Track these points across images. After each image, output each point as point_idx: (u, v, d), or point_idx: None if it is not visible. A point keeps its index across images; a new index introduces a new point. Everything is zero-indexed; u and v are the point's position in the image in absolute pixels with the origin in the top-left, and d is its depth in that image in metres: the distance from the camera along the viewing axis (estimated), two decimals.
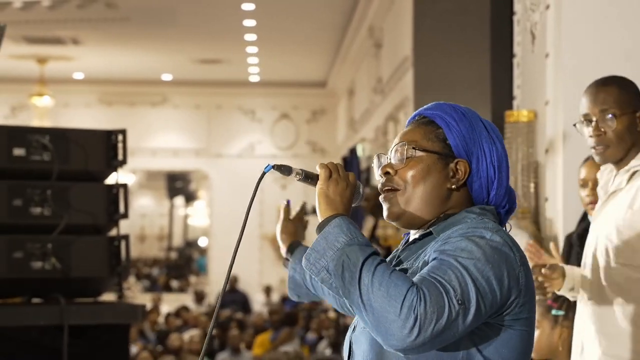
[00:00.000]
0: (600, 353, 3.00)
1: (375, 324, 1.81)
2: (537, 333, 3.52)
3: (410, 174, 2.05)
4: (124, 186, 4.10)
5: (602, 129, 3.00)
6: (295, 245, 2.81)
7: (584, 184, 3.75)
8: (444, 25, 6.81)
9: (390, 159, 2.09)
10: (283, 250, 2.84)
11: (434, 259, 1.89)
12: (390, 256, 2.13)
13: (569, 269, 3.19)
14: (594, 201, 3.73)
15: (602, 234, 3.02)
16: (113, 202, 4.08)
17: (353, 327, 2.07)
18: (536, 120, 4.74)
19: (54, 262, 3.89)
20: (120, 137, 4.11)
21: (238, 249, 2.12)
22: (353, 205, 2.05)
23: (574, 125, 3.11)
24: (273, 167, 2.08)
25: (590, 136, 3.03)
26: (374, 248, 1.90)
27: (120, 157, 4.10)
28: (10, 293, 4.01)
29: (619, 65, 4.21)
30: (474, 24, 5.80)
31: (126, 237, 4.07)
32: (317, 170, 2.06)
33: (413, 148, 2.05)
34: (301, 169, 2.10)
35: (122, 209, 4.09)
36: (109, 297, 4.30)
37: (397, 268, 1.99)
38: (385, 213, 2.07)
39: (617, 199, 3.00)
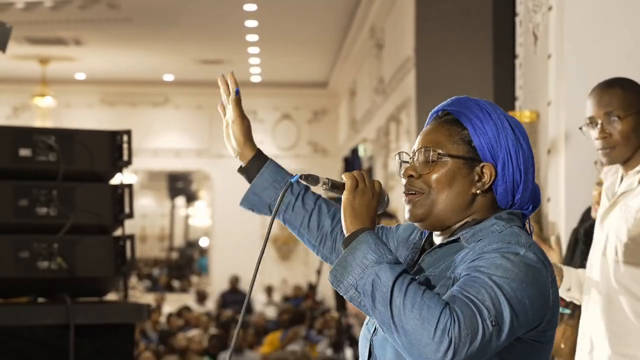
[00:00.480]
0: (610, 352, 3.01)
1: (408, 346, 1.78)
2: None
3: (434, 178, 2.01)
4: (129, 186, 4.12)
5: (608, 131, 3.02)
6: (260, 155, 2.62)
7: (599, 183, 3.76)
8: (446, 26, 6.84)
9: (414, 161, 2.04)
10: (237, 151, 2.63)
11: (466, 274, 1.86)
12: (405, 253, 2.12)
13: (567, 269, 3.21)
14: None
15: (612, 234, 3.03)
16: (118, 203, 4.10)
17: (373, 328, 2.03)
18: (538, 120, 4.76)
19: (60, 261, 3.91)
20: (125, 138, 4.13)
21: (260, 263, 2.10)
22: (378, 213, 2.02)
23: (580, 128, 3.13)
24: (300, 177, 2.04)
25: (597, 139, 3.05)
26: (403, 266, 1.86)
27: (125, 157, 4.12)
28: (17, 292, 4.04)
29: (621, 66, 4.23)
30: (476, 25, 5.84)
31: (131, 237, 4.10)
32: (343, 179, 2.01)
33: (439, 154, 2.00)
34: (327, 178, 2.04)
35: (127, 209, 4.11)
36: (110, 296, 4.33)
37: (420, 276, 1.97)
38: (407, 214, 2.04)
39: (628, 200, 3.02)
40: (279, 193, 2.44)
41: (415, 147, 2.05)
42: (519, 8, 5.08)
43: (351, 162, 14.10)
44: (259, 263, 2.07)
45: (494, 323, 1.79)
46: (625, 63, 4.29)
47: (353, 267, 1.86)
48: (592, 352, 3.09)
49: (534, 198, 2.05)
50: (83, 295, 4.07)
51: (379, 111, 12.15)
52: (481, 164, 2.00)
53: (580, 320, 3.18)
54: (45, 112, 15.90)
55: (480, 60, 5.69)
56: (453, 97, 2.08)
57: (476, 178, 2.00)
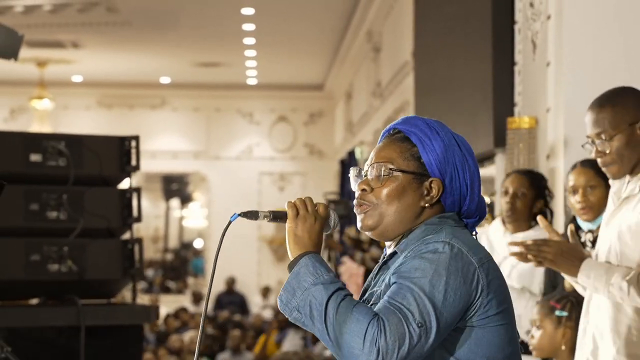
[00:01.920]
0: (615, 352, 3.05)
1: (346, 359, 1.92)
2: (539, 333, 3.61)
3: (385, 192, 2.11)
4: (137, 190, 4.19)
5: (602, 150, 3.11)
6: None
7: (574, 191, 3.85)
8: (445, 32, 6.89)
9: (366, 175, 2.15)
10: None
11: (393, 282, 1.99)
12: (370, 276, 2.20)
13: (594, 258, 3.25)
14: (586, 207, 3.83)
15: (616, 238, 3.08)
16: (126, 207, 4.17)
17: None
18: (537, 126, 4.84)
19: (70, 264, 3.98)
20: (133, 143, 4.21)
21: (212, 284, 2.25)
22: (326, 234, 2.14)
23: (582, 146, 3.21)
24: (240, 215, 2.12)
25: (595, 157, 3.15)
26: (338, 284, 1.98)
27: (133, 162, 4.20)
28: (28, 294, 4.11)
29: (619, 74, 4.31)
30: (475, 31, 5.89)
31: (139, 241, 4.17)
32: (286, 204, 2.12)
33: (390, 169, 2.11)
34: (269, 211, 2.14)
35: (135, 213, 4.18)
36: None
37: (369, 291, 2.10)
38: (359, 224, 2.15)
39: (631, 205, 3.07)
40: None
41: (369, 162, 2.16)
42: (518, 16, 5.17)
43: (347, 164, 14.16)
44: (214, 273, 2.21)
45: (420, 324, 1.91)
46: (623, 71, 4.37)
47: (295, 290, 1.99)
48: (595, 352, 3.14)
49: (479, 209, 2.16)
50: (92, 297, 4.13)
51: (376, 114, 12.22)
52: (430, 179, 2.11)
53: (581, 320, 3.23)
54: (42, 114, 15.91)
55: (480, 66, 5.75)
56: (405, 117, 2.21)
57: (425, 192, 2.11)
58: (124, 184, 4.26)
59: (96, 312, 3.99)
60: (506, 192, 4.30)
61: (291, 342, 11.00)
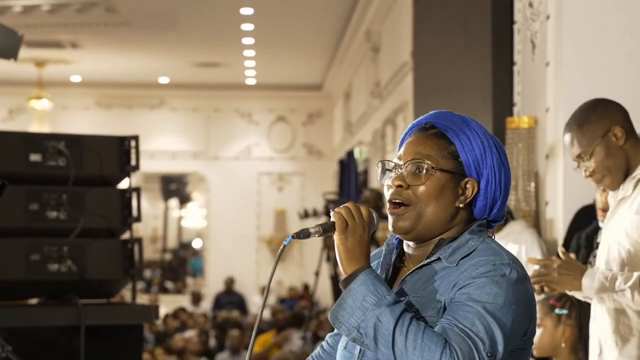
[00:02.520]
0: (617, 354, 3.08)
1: None
2: (539, 331, 3.62)
3: (423, 190, 2.04)
4: (137, 190, 4.19)
5: (588, 170, 3.14)
6: None
7: (603, 189, 3.85)
8: (445, 32, 6.89)
9: (401, 170, 2.06)
10: None
11: (458, 302, 1.93)
12: (381, 264, 2.12)
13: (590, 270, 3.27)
14: (605, 208, 3.84)
15: (614, 239, 3.12)
16: (126, 206, 4.17)
17: (359, 352, 2.03)
18: (537, 126, 4.84)
19: (70, 264, 3.98)
20: (133, 143, 4.21)
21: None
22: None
23: (574, 169, 3.24)
24: (293, 237, 2.01)
25: (587, 177, 3.18)
26: (401, 305, 1.91)
27: (133, 162, 4.20)
28: (28, 294, 4.11)
29: (618, 74, 4.32)
30: (474, 31, 5.90)
31: (139, 240, 4.17)
32: (333, 219, 2.01)
33: (432, 167, 2.03)
34: (316, 225, 2.02)
35: (135, 212, 4.19)
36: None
37: (405, 298, 2.00)
38: (391, 226, 2.06)
39: (626, 206, 3.10)
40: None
41: (403, 157, 2.07)
42: (517, 16, 5.17)
43: (346, 164, 14.16)
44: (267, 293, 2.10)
45: (489, 354, 1.88)
46: (622, 71, 4.37)
47: (354, 309, 1.91)
48: (600, 355, 3.15)
49: (503, 215, 2.13)
50: (92, 297, 4.12)
51: (375, 114, 12.23)
52: (466, 179, 2.05)
53: (590, 324, 3.24)
54: (41, 114, 15.91)
55: (479, 66, 5.76)
56: (437, 111, 2.13)
57: (460, 192, 2.05)
58: (124, 184, 4.26)
59: (96, 312, 3.99)
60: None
61: (293, 343, 10.99)
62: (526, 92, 5.06)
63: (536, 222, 4.75)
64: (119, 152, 4.19)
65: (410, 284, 2.05)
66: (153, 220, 26.17)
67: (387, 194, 2.08)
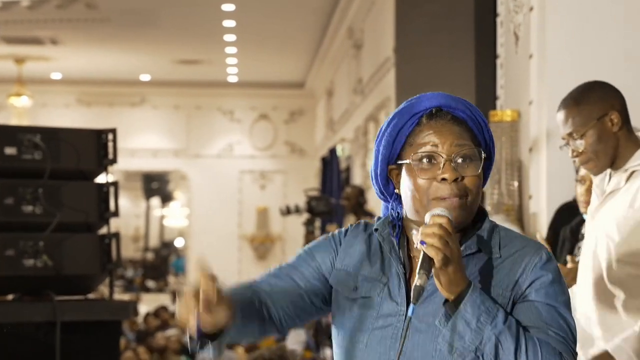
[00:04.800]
0: (602, 347, 3.05)
1: None
2: None
3: (476, 181, 1.99)
4: (115, 184, 4.13)
5: (576, 150, 3.09)
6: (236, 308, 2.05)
7: (582, 181, 3.81)
8: (427, 26, 6.86)
9: (454, 162, 1.97)
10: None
11: (536, 301, 1.95)
12: (374, 259, 2.06)
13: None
14: (589, 200, 3.80)
15: (602, 233, 3.07)
16: (104, 201, 4.11)
17: (399, 351, 1.92)
18: (520, 119, 4.81)
19: (46, 259, 3.92)
20: (110, 137, 4.15)
21: None
22: None
23: (560, 148, 3.19)
24: (414, 305, 1.87)
25: (572, 157, 3.13)
26: (513, 319, 1.90)
27: (110, 156, 4.14)
28: (3, 290, 4.04)
29: (601, 65, 4.29)
30: (457, 25, 5.86)
31: (117, 235, 4.11)
32: (428, 253, 1.87)
33: (482, 155, 2.00)
34: (422, 272, 1.87)
35: (112, 207, 4.13)
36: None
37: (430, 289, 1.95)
38: (454, 215, 1.94)
39: (617, 199, 3.06)
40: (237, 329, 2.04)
41: (446, 148, 1.98)
42: (500, 8, 5.14)
43: (329, 161, 14.12)
44: None
45: (574, 347, 1.96)
46: (606, 62, 4.34)
47: (468, 333, 1.87)
48: (584, 347, 3.13)
49: None
50: (69, 293, 4.06)
51: (357, 111, 12.19)
52: (485, 163, 2.01)
53: (576, 317, 3.21)
54: (21, 111, 15.81)
55: (462, 60, 5.72)
56: (439, 93, 2.04)
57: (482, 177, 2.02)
58: (101, 178, 4.19)
59: (72, 307, 3.93)
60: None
61: (293, 339, 10.92)
62: (509, 85, 5.02)
63: (519, 217, 4.71)
64: (96, 145, 4.13)
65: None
66: (135, 219, 26.10)
67: (433, 190, 1.97)
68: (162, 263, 24.54)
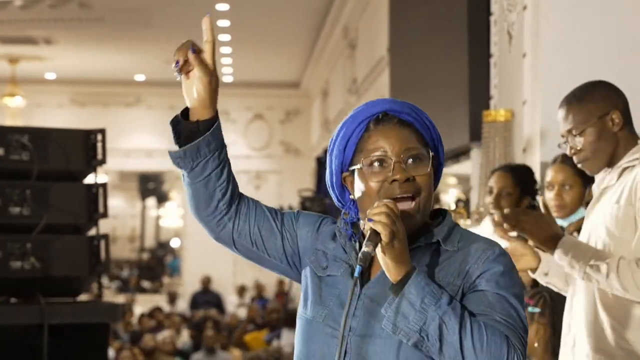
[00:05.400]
0: (589, 349, 3.02)
1: None
2: None
3: (427, 180, 2.05)
4: (104, 185, 4.09)
5: (575, 147, 3.06)
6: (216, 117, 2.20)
7: (550, 186, 3.80)
8: (421, 26, 6.83)
9: (403, 163, 2.04)
10: (195, 107, 2.19)
11: (485, 290, 1.98)
12: (330, 245, 2.13)
13: (545, 255, 3.21)
14: (559, 205, 3.78)
15: (594, 230, 3.05)
16: (92, 202, 4.07)
17: (349, 327, 2.02)
18: (513, 119, 4.78)
19: (34, 261, 3.88)
20: (99, 137, 4.11)
21: None
22: None
23: (559, 145, 3.16)
24: (361, 267, 1.94)
25: (570, 154, 3.09)
26: (458, 302, 1.94)
27: (99, 156, 4.10)
28: None
29: (595, 64, 4.26)
30: (451, 24, 5.83)
31: (106, 237, 4.07)
32: (377, 229, 1.94)
33: (430, 154, 2.06)
34: (368, 243, 1.93)
35: (101, 208, 4.08)
36: (84, 296, 4.29)
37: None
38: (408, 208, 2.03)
39: (608, 195, 3.04)
40: (218, 149, 2.22)
41: (394, 150, 2.05)
42: (494, 7, 5.10)
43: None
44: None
45: (525, 336, 1.98)
46: (599, 61, 4.31)
47: (413, 313, 1.90)
48: (574, 349, 3.10)
49: None
50: (57, 295, 4.03)
51: None
52: (435, 163, 2.09)
53: (565, 315, 3.17)
54: (15, 112, 15.77)
55: (455, 59, 5.69)
56: (381, 99, 2.13)
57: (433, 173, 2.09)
58: (90, 179, 4.15)
59: (60, 310, 3.88)
60: (490, 192, 4.22)
61: (286, 341, 10.89)
62: (503, 85, 4.98)
63: None
64: (85, 146, 4.09)
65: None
66: (131, 220, 26.09)
67: (385, 191, 2.03)
68: (157, 263, 24.52)
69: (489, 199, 4.19)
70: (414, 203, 2.04)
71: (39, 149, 3.95)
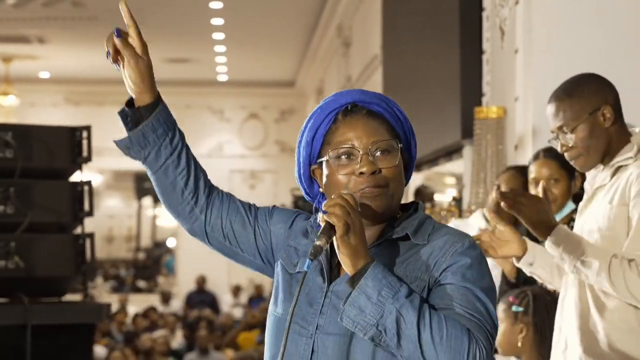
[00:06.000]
0: (581, 351, 2.96)
1: None
2: (500, 330, 3.50)
3: (395, 172, 2.00)
4: (89, 184, 4.04)
5: (566, 144, 2.99)
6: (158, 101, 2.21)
7: (535, 182, 3.74)
8: (413, 23, 6.79)
9: (371, 155, 2.00)
10: (135, 93, 2.17)
11: (452, 284, 1.92)
12: (302, 241, 2.09)
13: (532, 244, 3.15)
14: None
15: (586, 230, 2.99)
16: (78, 200, 4.01)
17: (319, 308, 1.99)
18: (505, 116, 4.73)
19: (17, 260, 3.82)
20: (84, 134, 4.05)
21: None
22: None
23: (549, 142, 3.09)
24: (311, 260, 1.88)
25: (561, 151, 3.02)
26: (417, 295, 1.88)
27: (84, 154, 4.04)
28: None
29: (588, 60, 4.20)
30: (443, 21, 5.79)
31: (91, 236, 4.01)
32: (331, 220, 1.90)
33: (399, 146, 2.02)
34: (321, 236, 1.89)
35: (87, 206, 4.03)
36: (75, 296, 4.24)
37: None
38: (367, 212, 1.98)
39: (601, 194, 2.98)
40: (167, 135, 2.18)
41: (361, 142, 2.01)
42: (486, 3, 5.05)
43: None
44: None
45: (492, 331, 1.92)
46: (592, 57, 4.26)
47: (369, 306, 1.85)
48: (565, 351, 3.04)
49: None
50: (42, 295, 3.97)
51: None
52: (407, 156, 2.07)
53: (557, 317, 3.12)
54: (8, 111, 15.71)
55: (447, 56, 5.64)
56: (349, 90, 2.10)
57: (402, 165, 2.04)
58: (75, 177, 4.09)
59: (44, 310, 3.83)
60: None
61: None
62: (495, 81, 4.93)
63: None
64: (70, 143, 4.04)
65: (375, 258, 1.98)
66: (127, 219, 26.05)
67: (352, 184, 1.99)
68: (153, 263, 24.48)
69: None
70: (381, 195, 1.99)
71: (22, 146, 3.90)
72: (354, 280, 1.88)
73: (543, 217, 2.98)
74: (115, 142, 2.19)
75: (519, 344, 3.47)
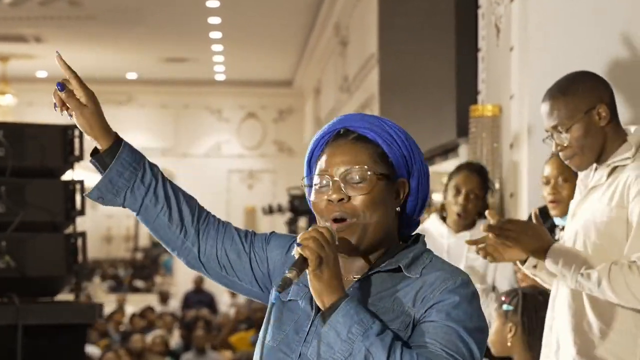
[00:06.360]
0: (574, 353, 2.92)
1: None
2: (492, 328, 3.48)
3: (367, 201, 1.93)
4: (81, 182, 4.02)
5: (561, 143, 2.95)
6: (118, 142, 2.18)
7: (546, 182, 3.73)
8: (410, 22, 6.77)
9: (338, 183, 1.94)
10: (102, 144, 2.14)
11: (435, 322, 1.87)
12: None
13: None
14: (555, 200, 3.69)
15: (581, 230, 2.95)
16: (70, 199, 3.99)
17: (304, 336, 1.95)
18: (501, 114, 4.70)
19: (8, 260, 3.82)
20: (77, 132, 4.03)
21: None
22: None
23: (543, 141, 3.05)
24: (279, 292, 1.84)
25: (556, 151, 2.99)
26: (390, 333, 1.83)
27: (77, 152, 4.02)
28: None
29: (584, 57, 4.18)
30: (439, 19, 5.77)
31: (83, 235, 4.00)
32: (304, 254, 1.86)
33: (373, 173, 1.94)
34: (292, 269, 1.85)
35: (79, 205, 4.00)
36: (69, 296, 4.22)
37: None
38: (344, 246, 1.93)
39: (597, 195, 2.94)
40: (137, 175, 2.12)
41: (333, 169, 1.96)
42: (482, 0, 5.02)
43: None
44: None
45: None
46: (588, 55, 4.24)
47: (339, 343, 1.82)
48: (558, 352, 3.00)
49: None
50: (34, 295, 3.97)
51: (344, 109, 12.08)
52: (398, 180, 1.99)
53: (547, 316, 3.08)
54: (6, 110, 15.68)
55: (443, 54, 5.62)
56: (345, 115, 2.05)
57: (394, 195, 1.98)
58: (68, 176, 4.07)
59: (36, 310, 3.83)
60: (458, 192, 4.26)
61: None
62: (491, 79, 4.90)
63: (500, 214, 4.59)
64: (62, 141, 4.03)
65: (360, 293, 1.95)
66: (126, 219, 25.99)
67: (324, 211, 1.95)
68: (151, 263, 24.44)
69: (455, 199, 4.30)
70: (346, 224, 1.93)
71: (14, 144, 3.89)
72: (325, 315, 1.84)
73: (538, 241, 2.92)
74: (86, 195, 2.14)
75: (509, 344, 3.45)
